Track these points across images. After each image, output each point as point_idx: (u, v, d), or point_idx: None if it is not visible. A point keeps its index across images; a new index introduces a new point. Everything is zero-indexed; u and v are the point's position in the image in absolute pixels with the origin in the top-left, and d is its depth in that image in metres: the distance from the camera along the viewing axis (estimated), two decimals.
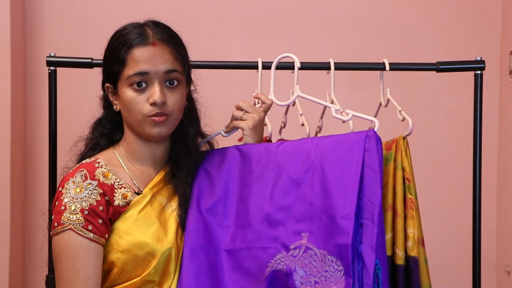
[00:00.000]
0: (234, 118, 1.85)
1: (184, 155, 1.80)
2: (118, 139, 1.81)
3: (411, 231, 1.89)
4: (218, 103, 3.17)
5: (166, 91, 1.71)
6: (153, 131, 1.72)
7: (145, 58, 1.69)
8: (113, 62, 1.71)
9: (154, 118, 1.71)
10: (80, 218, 1.64)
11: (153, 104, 1.69)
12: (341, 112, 1.86)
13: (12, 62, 2.97)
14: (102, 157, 1.75)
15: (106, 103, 1.79)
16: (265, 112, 1.87)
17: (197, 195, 1.77)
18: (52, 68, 2.12)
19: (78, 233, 1.63)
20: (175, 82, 1.73)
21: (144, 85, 1.70)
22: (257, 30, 3.19)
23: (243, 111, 1.84)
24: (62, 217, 1.64)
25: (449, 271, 3.22)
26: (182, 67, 1.75)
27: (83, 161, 1.74)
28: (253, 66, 2.10)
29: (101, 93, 1.82)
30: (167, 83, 1.72)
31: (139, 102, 1.70)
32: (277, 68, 2.11)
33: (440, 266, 3.18)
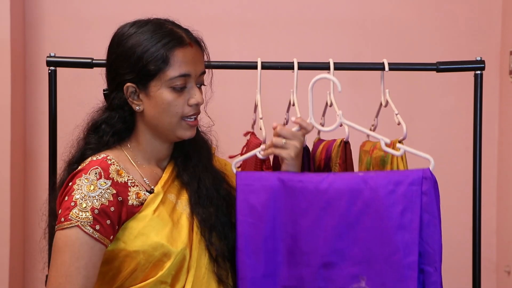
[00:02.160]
0: (274, 145, 1.78)
1: (196, 152, 1.81)
2: (125, 137, 1.77)
3: None
4: (218, 103, 3.18)
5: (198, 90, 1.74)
6: (186, 134, 1.73)
7: (188, 59, 1.69)
8: (150, 62, 1.67)
9: (190, 122, 1.72)
10: (89, 216, 1.62)
11: (194, 105, 1.71)
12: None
13: (12, 62, 2.97)
14: (112, 154, 1.72)
15: (120, 102, 1.72)
16: (304, 136, 1.81)
17: (243, 230, 1.74)
18: (52, 68, 2.11)
19: (84, 231, 1.61)
20: (203, 83, 1.77)
21: (183, 86, 1.70)
22: (257, 30, 3.19)
23: (284, 139, 1.77)
24: (71, 213, 1.61)
25: (449, 271, 3.21)
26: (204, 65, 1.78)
27: (93, 158, 1.70)
28: (253, 66, 2.10)
29: (104, 94, 1.79)
30: (198, 83, 1.74)
31: (179, 103, 1.69)
32: (277, 68, 2.12)
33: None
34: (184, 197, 1.77)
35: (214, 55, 3.17)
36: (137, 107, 1.72)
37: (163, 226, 1.68)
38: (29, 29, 3.10)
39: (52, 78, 2.12)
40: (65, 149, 1.80)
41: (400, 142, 1.93)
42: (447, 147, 3.25)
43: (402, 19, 3.22)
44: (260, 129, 1.93)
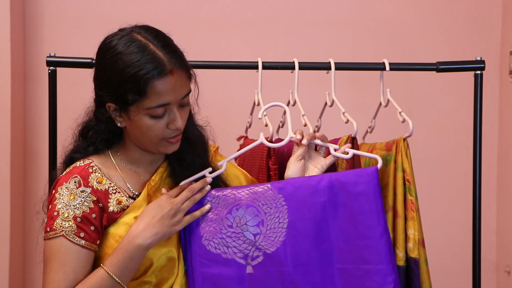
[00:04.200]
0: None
1: (191, 149, 1.79)
2: (114, 142, 1.78)
3: (412, 232, 1.89)
4: (218, 103, 3.18)
5: (180, 112, 1.70)
6: (169, 150, 1.73)
7: (167, 90, 1.64)
8: (127, 92, 1.64)
9: (171, 140, 1.70)
10: (73, 225, 1.64)
11: (174, 129, 1.69)
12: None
13: (12, 62, 2.97)
14: (96, 160, 1.74)
15: (104, 117, 1.73)
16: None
17: None
18: (52, 68, 2.11)
19: (69, 240, 1.64)
20: (188, 102, 1.73)
21: (163, 113, 1.67)
22: (257, 30, 3.19)
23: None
24: (55, 223, 1.64)
25: (449, 271, 3.22)
26: (190, 83, 1.73)
27: (77, 164, 1.72)
28: (253, 66, 2.10)
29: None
30: (181, 105, 1.70)
31: (158, 128, 1.68)
32: (277, 68, 2.12)
33: (440, 266, 3.18)
34: None
35: (214, 55, 3.17)
36: (119, 123, 1.72)
37: None
38: (29, 29, 3.10)
39: (52, 78, 2.12)
40: (64, 147, 1.81)
41: (405, 139, 1.93)
42: (447, 147, 3.26)
43: (402, 19, 3.22)
44: (266, 125, 1.94)
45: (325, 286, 1.70)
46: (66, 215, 1.65)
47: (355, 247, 1.71)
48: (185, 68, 1.69)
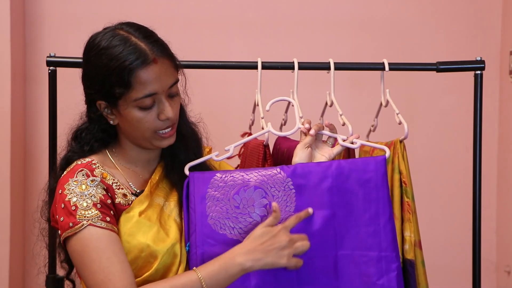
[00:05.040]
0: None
1: (183, 147, 1.80)
2: (109, 142, 1.79)
3: (408, 234, 1.89)
4: (218, 103, 3.18)
5: (170, 102, 1.70)
6: (163, 144, 1.73)
7: (152, 79, 1.65)
8: (114, 85, 1.65)
9: (164, 134, 1.71)
10: (96, 212, 1.62)
11: (165, 119, 1.69)
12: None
13: (12, 62, 2.97)
14: (96, 158, 1.74)
15: (96, 116, 1.74)
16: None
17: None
18: (52, 68, 2.12)
19: (98, 226, 1.61)
20: (177, 92, 1.73)
21: (152, 104, 1.68)
22: (257, 30, 3.19)
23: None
24: (77, 216, 1.62)
25: (449, 271, 3.22)
26: (177, 73, 1.74)
27: (77, 162, 1.72)
28: (253, 66, 2.11)
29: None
30: (169, 95, 1.70)
31: (149, 120, 1.68)
32: (277, 68, 2.12)
33: (440, 266, 3.18)
34: (173, 199, 1.77)
35: (214, 55, 3.17)
36: (111, 121, 1.73)
37: (149, 227, 1.69)
38: (29, 29, 3.10)
39: (52, 78, 2.12)
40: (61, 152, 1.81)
41: (401, 141, 1.93)
42: (447, 147, 3.26)
43: (402, 19, 3.22)
44: (262, 128, 1.94)
45: (328, 272, 1.70)
46: (85, 205, 1.63)
47: (360, 233, 1.72)
48: (169, 57, 1.70)
